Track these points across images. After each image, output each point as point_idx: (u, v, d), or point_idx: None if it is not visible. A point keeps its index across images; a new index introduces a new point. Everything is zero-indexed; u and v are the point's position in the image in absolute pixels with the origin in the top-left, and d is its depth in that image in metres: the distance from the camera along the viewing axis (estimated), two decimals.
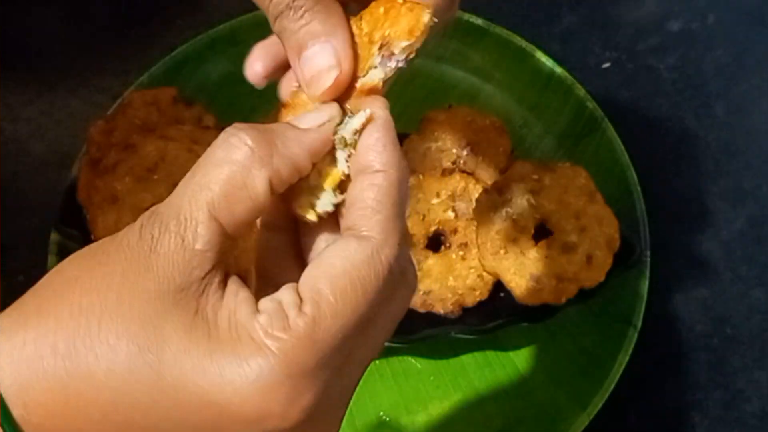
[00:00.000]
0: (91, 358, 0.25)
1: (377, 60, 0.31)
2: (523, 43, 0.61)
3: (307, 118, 0.29)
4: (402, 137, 0.57)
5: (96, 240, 0.52)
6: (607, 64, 0.65)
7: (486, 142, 0.55)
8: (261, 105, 0.60)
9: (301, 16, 0.30)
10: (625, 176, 0.57)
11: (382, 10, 0.31)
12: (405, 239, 0.29)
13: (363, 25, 0.32)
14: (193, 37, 0.61)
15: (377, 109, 0.29)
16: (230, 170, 0.27)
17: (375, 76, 0.31)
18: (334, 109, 0.29)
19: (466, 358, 0.55)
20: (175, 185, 0.55)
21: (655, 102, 0.64)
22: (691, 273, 0.59)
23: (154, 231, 0.26)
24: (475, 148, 0.55)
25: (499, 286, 0.53)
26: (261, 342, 0.25)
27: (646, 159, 0.62)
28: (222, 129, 0.60)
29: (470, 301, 0.53)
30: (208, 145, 0.58)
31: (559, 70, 0.60)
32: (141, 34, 0.66)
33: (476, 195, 0.53)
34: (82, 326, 0.25)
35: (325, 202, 0.29)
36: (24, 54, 0.65)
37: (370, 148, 0.28)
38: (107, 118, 0.55)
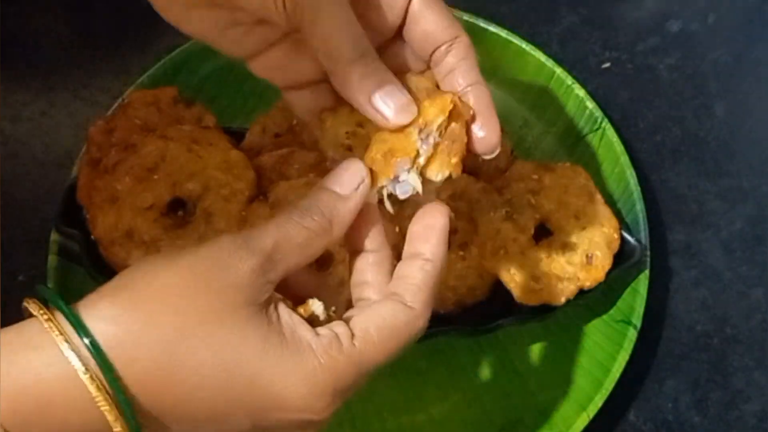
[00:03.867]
0: (189, 350, 0.32)
1: (420, 144, 0.37)
2: (523, 43, 0.61)
3: (344, 183, 0.36)
4: None
5: (96, 240, 0.52)
6: (607, 64, 0.65)
7: None
8: (261, 105, 0.60)
9: (374, 61, 0.37)
10: (625, 176, 0.57)
11: None
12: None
13: (387, 136, 0.38)
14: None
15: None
16: (307, 235, 0.35)
17: (425, 153, 0.37)
18: (362, 169, 0.37)
19: (466, 358, 0.55)
20: (175, 185, 0.55)
21: (655, 102, 0.64)
22: (691, 273, 0.59)
23: (242, 255, 0.33)
24: None
25: (499, 286, 0.53)
26: (321, 357, 0.33)
27: (646, 159, 0.62)
28: (222, 129, 0.60)
29: (470, 301, 0.53)
30: (209, 144, 0.58)
31: (559, 70, 0.60)
32: (141, 34, 0.66)
33: (476, 195, 0.53)
34: (180, 326, 0.32)
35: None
36: (24, 54, 0.65)
37: (426, 239, 0.37)
38: (107, 118, 0.55)
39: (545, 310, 0.52)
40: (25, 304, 0.33)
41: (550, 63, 0.60)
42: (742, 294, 0.58)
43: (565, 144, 0.60)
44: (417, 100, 0.38)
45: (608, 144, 0.58)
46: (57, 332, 0.30)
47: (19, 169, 0.61)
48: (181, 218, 0.52)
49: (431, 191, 0.38)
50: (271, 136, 0.56)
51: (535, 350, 0.55)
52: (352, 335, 0.34)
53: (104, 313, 0.31)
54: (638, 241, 0.54)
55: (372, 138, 0.38)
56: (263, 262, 0.33)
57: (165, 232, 0.51)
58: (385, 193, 0.38)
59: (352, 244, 0.38)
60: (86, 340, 0.30)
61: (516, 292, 0.52)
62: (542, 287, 0.51)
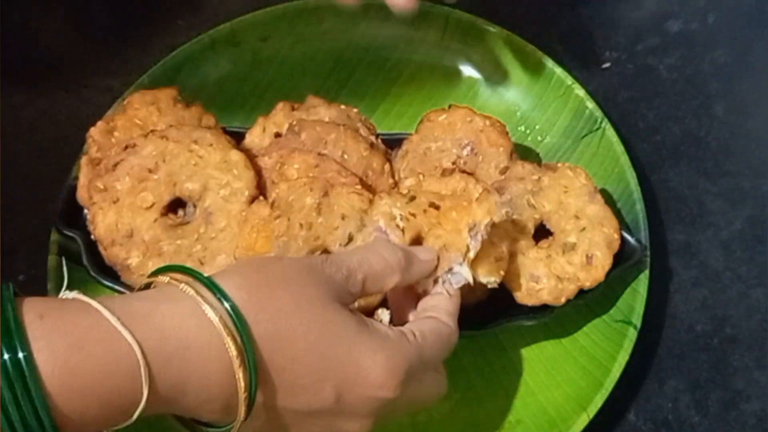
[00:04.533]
0: (302, 322, 0.39)
1: (470, 241, 0.46)
2: (523, 43, 0.61)
3: (423, 254, 0.46)
4: (402, 137, 0.57)
5: (96, 240, 0.52)
6: (607, 64, 0.65)
7: (486, 142, 0.55)
8: (261, 105, 0.60)
9: None
10: (625, 176, 0.57)
11: (454, 214, 0.47)
12: None
13: (441, 233, 0.47)
14: (193, 37, 0.61)
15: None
16: (385, 266, 0.44)
17: (474, 248, 0.46)
18: (435, 252, 0.46)
19: (466, 358, 0.55)
20: (175, 185, 0.55)
21: (655, 102, 0.64)
22: (691, 273, 0.59)
23: (332, 268, 0.42)
24: (475, 148, 0.55)
25: (499, 286, 0.52)
26: (396, 344, 0.41)
27: (646, 159, 0.62)
28: (222, 129, 0.61)
29: (470, 301, 0.53)
30: (209, 144, 0.58)
31: (559, 70, 0.60)
32: (141, 34, 0.66)
33: (476, 195, 0.53)
34: (295, 303, 0.39)
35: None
36: (24, 54, 0.65)
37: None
38: (107, 119, 0.55)
39: (545, 310, 0.52)
40: (147, 280, 0.39)
41: (550, 63, 0.60)
42: (742, 294, 0.58)
43: (565, 144, 0.60)
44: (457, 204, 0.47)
45: (608, 144, 0.58)
46: (195, 292, 0.37)
47: (19, 169, 0.61)
48: (181, 218, 0.52)
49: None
50: (271, 136, 0.56)
51: (535, 350, 0.55)
52: (414, 335, 0.43)
53: (237, 283, 0.38)
54: (638, 241, 0.54)
55: (425, 231, 0.47)
56: (347, 276, 0.42)
57: (165, 232, 0.51)
58: (440, 282, 0.46)
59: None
60: (224, 302, 0.37)
61: (516, 292, 0.52)
62: (542, 287, 0.51)
